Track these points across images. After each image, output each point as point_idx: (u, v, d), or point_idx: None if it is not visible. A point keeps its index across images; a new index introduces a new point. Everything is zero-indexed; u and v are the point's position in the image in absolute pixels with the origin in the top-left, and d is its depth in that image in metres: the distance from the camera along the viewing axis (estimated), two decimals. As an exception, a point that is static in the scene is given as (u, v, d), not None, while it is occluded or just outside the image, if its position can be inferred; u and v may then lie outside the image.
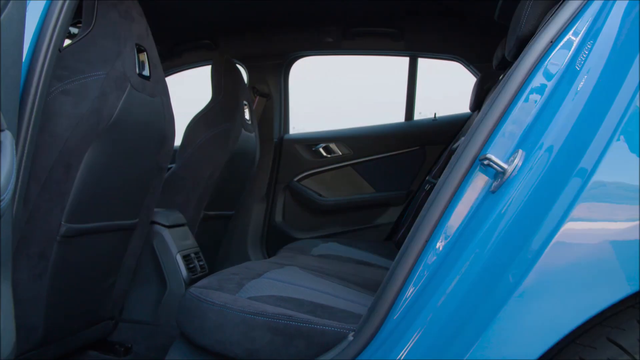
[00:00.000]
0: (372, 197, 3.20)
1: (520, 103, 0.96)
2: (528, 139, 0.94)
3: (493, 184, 0.94)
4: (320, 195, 3.24)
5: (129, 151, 1.68)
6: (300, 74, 3.37)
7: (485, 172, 0.96)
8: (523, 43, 1.40)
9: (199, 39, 3.24)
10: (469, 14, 2.86)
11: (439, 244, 0.94)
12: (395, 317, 0.93)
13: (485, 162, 0.93)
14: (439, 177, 2.79)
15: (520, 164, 0.92)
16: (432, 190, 2.79)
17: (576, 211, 0.89)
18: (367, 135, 3.25)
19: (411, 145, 3.15)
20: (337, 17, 3.02)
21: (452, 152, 2.73)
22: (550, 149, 0.92)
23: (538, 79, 0.97)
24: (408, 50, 3.13)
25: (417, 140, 3.15)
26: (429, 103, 3.31)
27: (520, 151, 0.93)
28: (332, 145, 3.24)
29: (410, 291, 0.93)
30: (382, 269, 2.18)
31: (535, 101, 0.96)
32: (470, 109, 2.66)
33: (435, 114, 3.19)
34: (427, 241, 0.95)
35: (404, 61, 3.20)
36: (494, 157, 0.92)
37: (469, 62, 3.05)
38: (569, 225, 0.89)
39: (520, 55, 1.02)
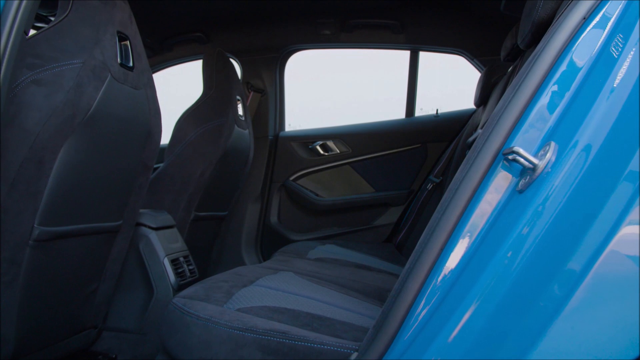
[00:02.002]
0: (371, 197, 3.11)
1: (549, 88, 0.82)
2: (560, 130, 0.80)
3: (520, 182, 0.80)
4: (317, 195, 3.16)
5: (110, 147, 1.57)
6: (296, 69, 3.28)
7: (509, 169, 0.82)
8: (539, 28, 1.29)
9: (190, 32, 3.14)
10: (473, 5, 2.77)
11: (456, 254, 0.80)
12: (406, 337, 0.79)
13: (510, 156, 0.79)
14: (441, 176, 2.73)
15: (553, 158, 0.78)
16: (434, 189, 2.74)
17: (636, 213, 0.72)
18: (366, 132, 3.16)
19: (412, 142, 3.07)
20: (335, 9, 2.93)
21: (456, 149, 2.62)
22: (591, 139, 0.76)
23: (570, 60, 0.83)
24: (409, 44, 3.04)
25: (419, 137, 3.07)
26: (431, 99, 3.21)
27: (552, 144, 0.78)
28: (330, 143, 3.15)
29: (423, 309, 0.79)
30: (383, 273, 2.10)
31: (568, 85, 0.82)
32: (475, 104, 2.58)
33: (437, 110, 3.11)
34: (441, 250, 0.81)
35: (405, 55, 3.11)
36: (522, 150, 0.78)
37: (473, 55, 2.95)
38: (627, 230, 0.72)
39: (548, 35, 0.88)
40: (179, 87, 3.44)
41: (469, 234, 0.80)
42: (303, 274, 1.71)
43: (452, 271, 0.79)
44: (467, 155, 0.89)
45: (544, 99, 0.82)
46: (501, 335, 0.71)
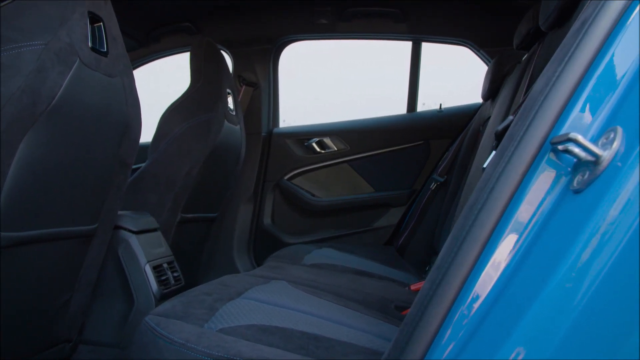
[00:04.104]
0: (371, 198, 2.99)
1: (608, 57, 0.64)
2: (624, 110, 0.62)
3: (576, 179, 0.62)
4: (313, 195, 3.04)
5: (80, 142, 1.41)
6: (291, 61, 3.15)
7: (559, 162, 0.64)
8: (567, 5, 1.13)
9: (178, 22, 2.99)
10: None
11: (493, 270, 0.62)
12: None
13: (562, 146, 0.61)
14: (446, 174, 2.58)
15: (622, 148, 0.60)
16: (438, 189, 2.58)
17: None
18: (365, 128, 3.04)
19: (414, 139, 2.94)
20: None
21: (461, 146, 2.47)
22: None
23: (633, 22, 0.65)
24: (411, 34, 2.91)
25: (421, 134, 2.94)
26: (434, 93, 3.07)
27: (619, 129, 0.60)
28: (327, 140, 3.03)
29: (449, 343, 0.62)
30: (384, 281, 1.98)
31: (632, 53, 0.64)
32: (483, 97, 2.44)
33: (440, 104, 2.99)
34: (473, 266, 0.63)
35: (407, 46, 2.97)
36: (581, 137, 0.60)
37: (479, 46, 2.80)
38: None
39: None
40: (164, 81, 3.30)
41: (508, 246, 0.62)
42: (297, 283, 1.54)
43: (488, 293, 0.61)
44: (499, 147, 0.71)
45: (603, 73, 0.64)
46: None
